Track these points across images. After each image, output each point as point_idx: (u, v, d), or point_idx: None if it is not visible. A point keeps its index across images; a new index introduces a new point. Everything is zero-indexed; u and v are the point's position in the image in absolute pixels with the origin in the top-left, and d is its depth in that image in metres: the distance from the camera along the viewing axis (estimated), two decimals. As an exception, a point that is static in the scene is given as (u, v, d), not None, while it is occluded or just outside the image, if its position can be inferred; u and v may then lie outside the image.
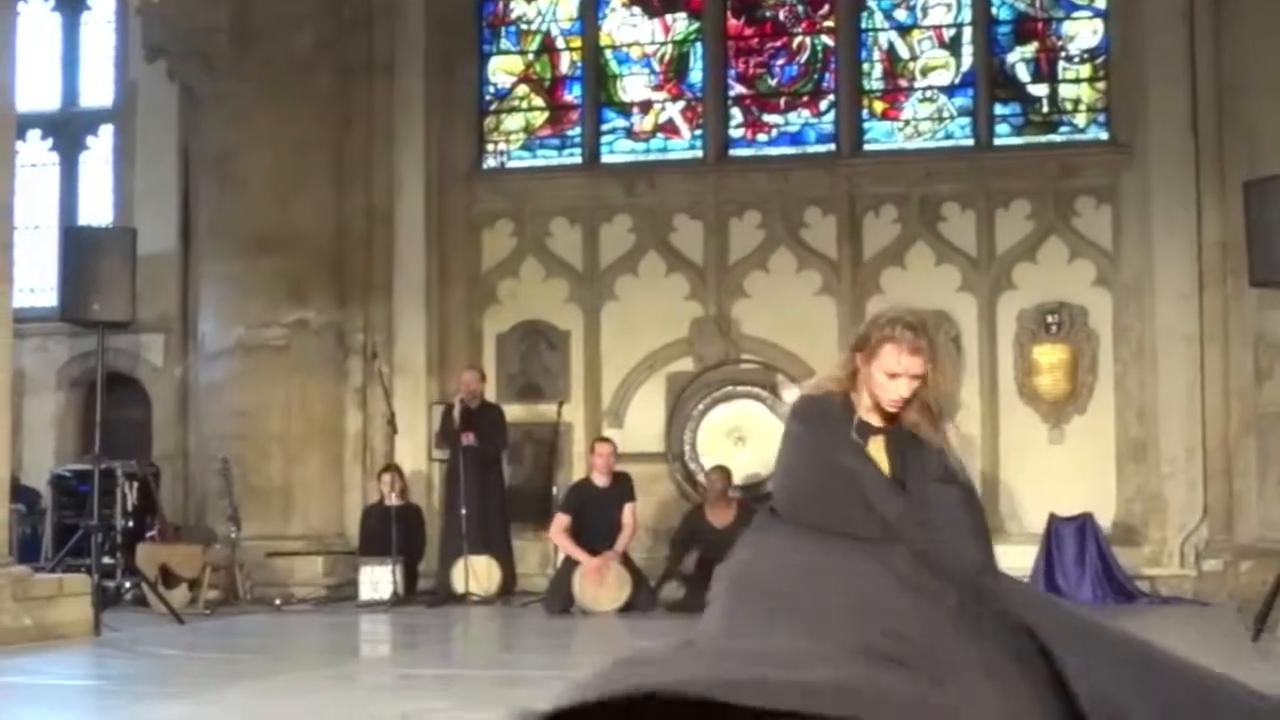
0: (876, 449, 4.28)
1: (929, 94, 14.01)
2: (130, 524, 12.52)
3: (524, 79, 14.74)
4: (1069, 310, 13.25)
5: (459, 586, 12.39)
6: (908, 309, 4.33)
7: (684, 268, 13.92)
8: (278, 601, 12.33)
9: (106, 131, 15.48)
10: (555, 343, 14.10)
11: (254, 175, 13.56)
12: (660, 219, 14.05)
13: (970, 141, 13.80)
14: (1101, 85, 13.66)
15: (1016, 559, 12.37)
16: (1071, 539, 12.10)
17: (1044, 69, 13.79)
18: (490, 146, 14.71)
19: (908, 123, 14.01)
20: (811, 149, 14.09)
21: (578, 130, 14.53)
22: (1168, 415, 12.88)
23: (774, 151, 14.16)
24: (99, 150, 15.54)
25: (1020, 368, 13.29)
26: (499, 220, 14.40)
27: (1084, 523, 12.17)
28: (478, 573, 12.33)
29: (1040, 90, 13.80)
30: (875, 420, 4.31)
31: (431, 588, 12.82)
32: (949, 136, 13.95)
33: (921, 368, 4.25)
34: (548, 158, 14.62)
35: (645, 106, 14.49)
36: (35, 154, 15.40)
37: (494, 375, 13.91)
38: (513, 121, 14.74)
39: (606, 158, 14.47)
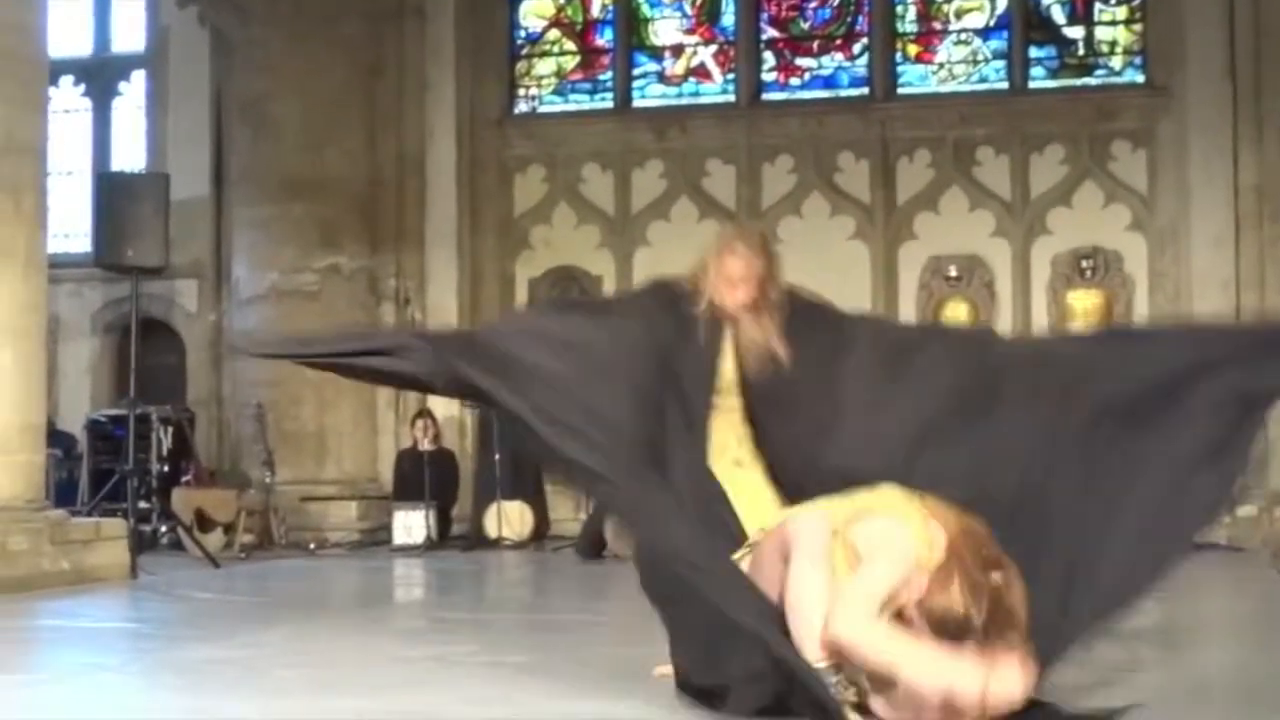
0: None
1: (963, 37, 13.90)
2: (165, 469, 12.60)
3: (555, 23, 14.68)
4: (1104, 255, 13.17)
5: (492, 531, 12.45)
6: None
7: (716, 213, 13.88)
8: (312, 546, 12.40)
9: (139, 77, 15.49)
10: (587, 288, 14.09)
11: (286, 121, 13.55)
12: (692, 164, 14.00)
13: (1005, 85, 13.70)
14: (1138, 28, 13.53)
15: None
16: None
17: (1080, 11, 13.67)
18: (521, 91, 14.66)
19: (942, 66, 13.92)
20: (845, 93, 14.02)
21: (609, 75, 14.47)
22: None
23: (807, 95, 14.08)
24: (131, 96, 15.56)
25: (1054, 313, 13.23)
26: (530, 166, 14.37)
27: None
28: (510, 518, 12.38)
29: (1076, 33, 13.68)
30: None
31: (464, 532, 12.88)
32: (983, 80, 13.85)
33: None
34: (579, 102, 14.57)
35: (677, 50, 14.42)
36: (68, 100, 15.42)
37: (526, 320, 13.89)
38: (544, 66, 14.69)
39: (638, 102, 14.41)
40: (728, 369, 4.90)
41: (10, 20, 9.24)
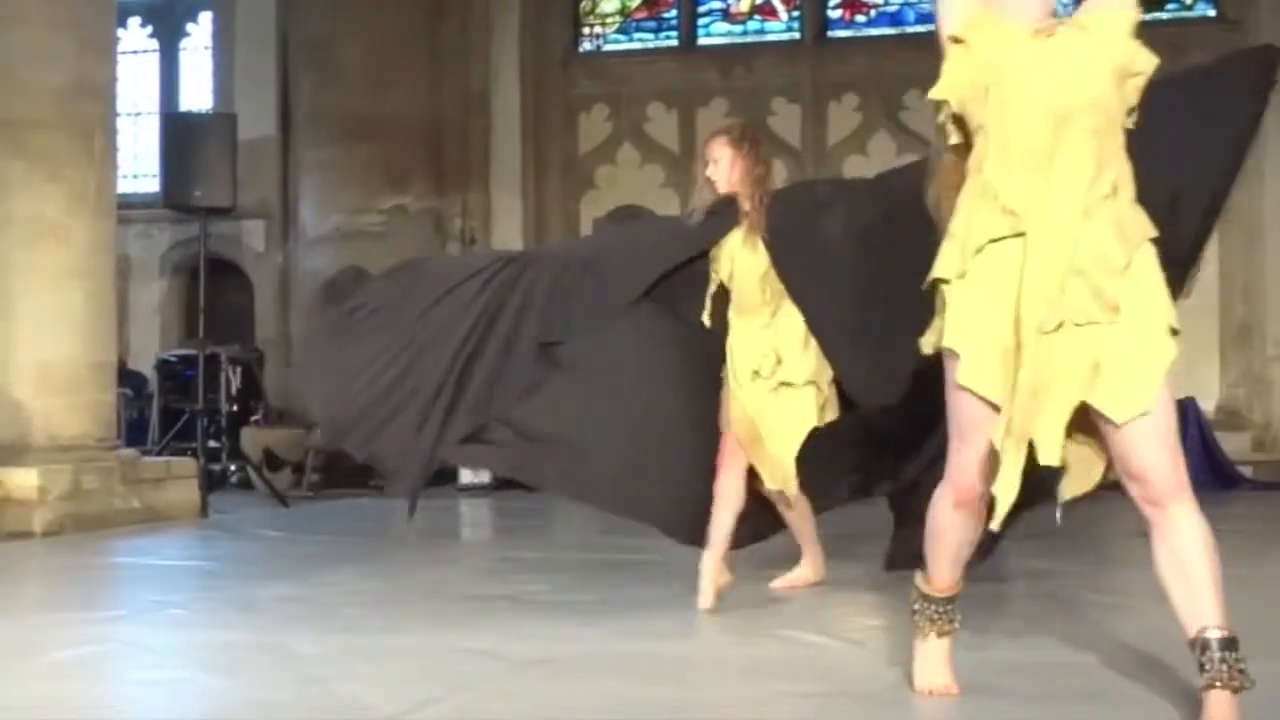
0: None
1: (1034, -29, 13.73)
2: (234, 408, 12.70)
3: (620, -38, 14.60)
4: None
5: (557, 471, 12.47)
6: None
7: (782, 152, 13.79)
8: (379, 485, 12.48)
9: (206, 18, 15.54)
10: (652, 228, 14.04)
11: (351, 61, 13.56)
12: (757, 102, 13.91)
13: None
14: (1211, -39, 13.31)
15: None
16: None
17: (1155, -57, 13.46)
18: (586, 30, 14.61)
19: (1011, 1, 13.75)
20: (911, 29, 13.87)
21: (674, 13, 14.38)
22: (1275, 296, 12.66)
23: (873, 32, 13.96)
24: (199, 36, 15.62)
25: (1123, 251, 13.10)
26: (595, 105, 14.33)
27: (1186, 407, 12.01)
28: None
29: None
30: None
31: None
32: (1054, 15, 13.66)
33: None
34: (644, 41, 14.50)
35: (743, -12, 14.32)
36: (136, 41, 15.50)
37: (591, 260, 13.90)
38: (609, 4, 14.62)
39: (703, 40, 14.33)
40: None
41: (77, -38, 9.29)
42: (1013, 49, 3.54)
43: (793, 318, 5.56)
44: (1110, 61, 3.51)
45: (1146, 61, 3.55)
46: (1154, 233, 3.48)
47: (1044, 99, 3.45)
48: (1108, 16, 3.54)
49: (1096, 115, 3.44)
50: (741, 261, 5.58)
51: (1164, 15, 13.40)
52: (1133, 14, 3.61)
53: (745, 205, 5.64)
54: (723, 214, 5.66)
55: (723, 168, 5.70)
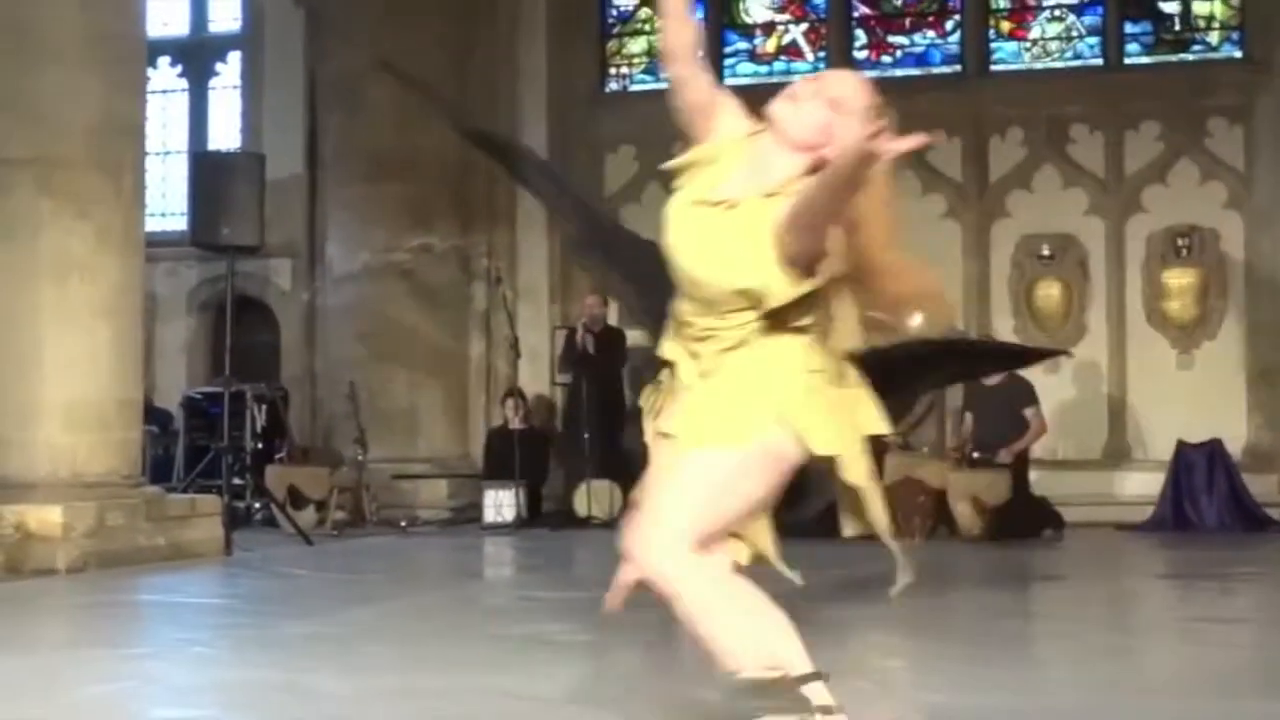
0: None
1: (1057, 13, 13.74)
2: (259, 446, 12.70)
3: (646, 1, 14.65)
4: (1200, 234, 12.98)
5: (581, 510, 12.49)
6: None
7: (806, 191, 13.80)
8: (403, 523, 12.49)
9: (235, 58, 15.64)
10: (677, 267, 14.05)
11: (378, 100, 13.61)
12: (783, 142, 13.92)
13: (1100, 61, 13.53)
14: (1235, 2, 13.31)
15: (1143, 486, 12.25)
16: (1201, 466, 11.89)
17: (1177, -15, 13.46)
18: (613, 70, 14.66)
19: (1035, 42, 13.77)
20: (937, 70, 13.90)
21: (700, 53, 14.41)
22: (1301, 338, 12.62)
23: (898, 73, 13.98)
24: (228, 76, 15.71)
25: (1149, 292, 13.05)
26: (622, 145, 14.36)
27: (1213, 449, 11.96)
28: (600, 497, 12.41)
29: (1172, 7, 13.47)
30: None
31: (554, 511, 12.93)
32: (1078, 56, 13.69)
33: None
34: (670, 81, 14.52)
35: (768, 28, 14.36)
36: (166, 80, 15.59)
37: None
38: (635, 45, 14.68)
39: (729, 80, 14.36)
40: None
41: (109, 2, 9.37)
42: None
43: None
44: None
45: None
46: None
47: None
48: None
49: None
50: None
51: (1189, 57, 13.40)
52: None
53: None
54: None
55: None
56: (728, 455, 3.32)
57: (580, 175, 14.32)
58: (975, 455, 11.50)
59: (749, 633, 3.36)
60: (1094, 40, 13.60)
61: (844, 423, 3.48)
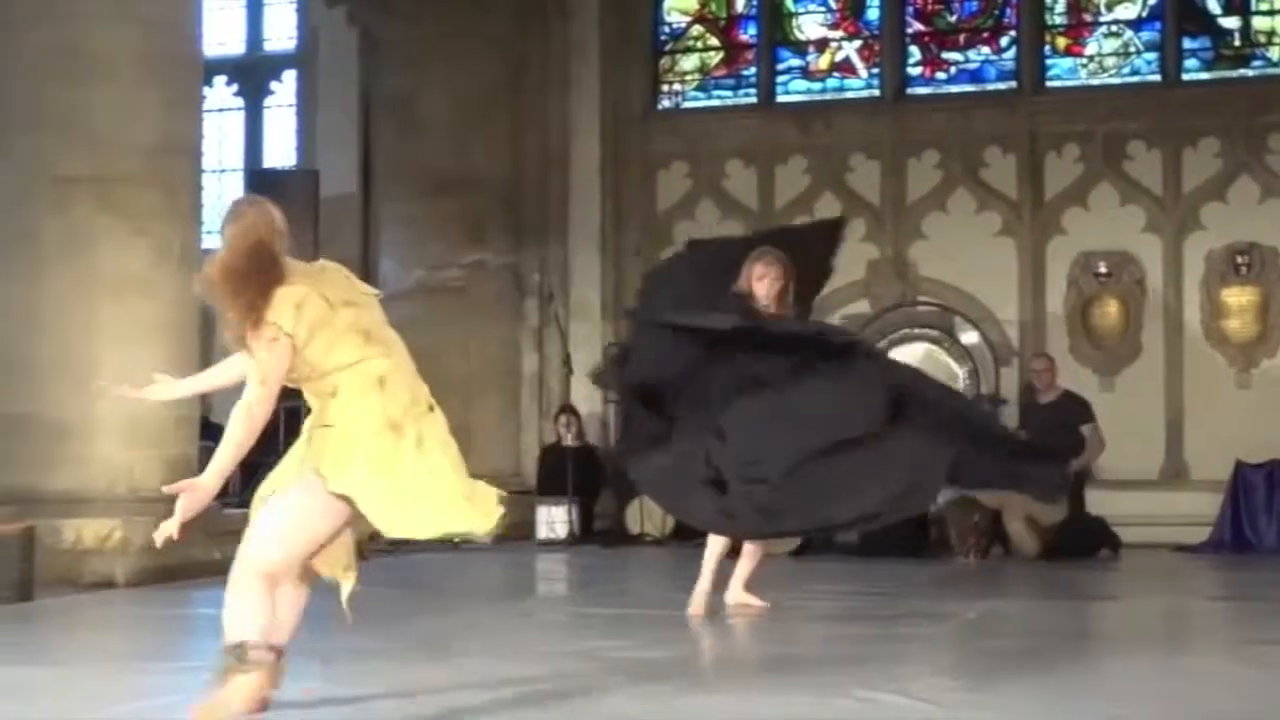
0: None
1: (1114, 29, 13.66)
2: (314, 461, 12.72)
3: (699, 18, 14.65)
4: (1260, 251, 12.85)
5: (634, 527, 12.48)
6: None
7: (860, 209, 13.78)
8: (456, 540, 12.48)
9: (290, 76, 15.75)
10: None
11: (432, 118, 13.69)
12: (836, 159, 13.91)
13: (1157, 77, 13.44)
14: (1296, 17, 13.20)
15: (1201, 506, 12.12)
16: (1260, 486, 11.78)
17: (1235, 0, 13.35)
18: (665, 87, 14.67)
19: (1092, 58, 13.69)
20: (992, 86, 13.83)
21: (753, 70, 14.42)
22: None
23: (953, 90, 13.92)
24: (283, 94, 15.82)
25: (1207, 310, 12.93)
26: (674, 162, 14.36)
27: (1273, 469, 11.83)
28: (652, 514, 12.39)
29: (1232, 23, 13.37)
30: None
31: (607, 528, 12.92)
32: (1135, 72, 13.60)
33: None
34: (723, 98, 14.54)
35: (821, 45, 14.32)
36: (221, 99, 15.71)
37: (670, 316, 13.90)
38: (688, 62, 14.68)
39: (782, 98, 14.35)
40: None
41: (165, 21, 9.45)
42: None
43: None
44: None
45: None
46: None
47: None
48: None
49: None
50: None
51: (1249, 73, 13.29)
52: None
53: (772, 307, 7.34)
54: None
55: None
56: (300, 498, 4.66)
57: (632, 192, 14.34)
58: None
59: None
60: (1152, 56, 13.50)
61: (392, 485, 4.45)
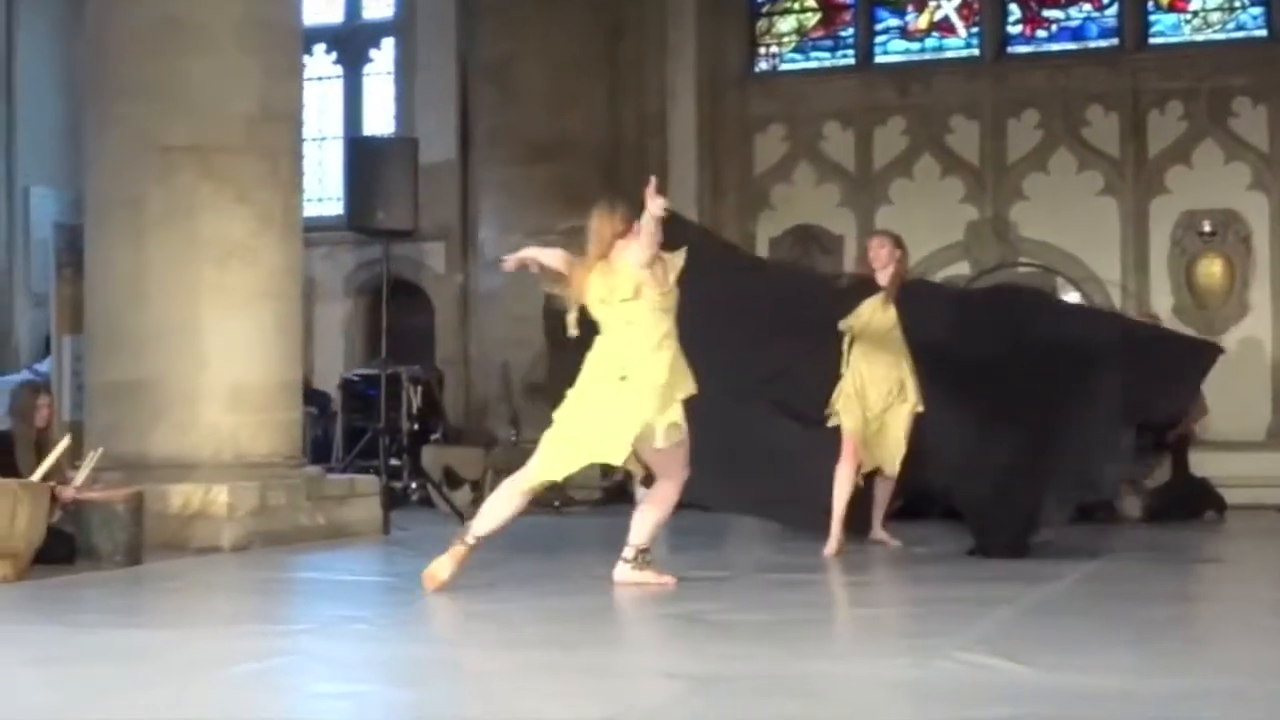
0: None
1: (1219, -17, 13.43)
2: (415, 427, 12.86)
3: (796, -20, 14.57)
4: (1368, 208, 12.63)
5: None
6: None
7: (960, 170, 13.67)
8: (556, 504, 12.57)
9: (388, 44, 15.83)
10: (829, 247, 14.00)
11: (530, 84, 13.73)
12: (935, 120, 13.80)
13: (1263, 32, 13.21)
14: (1407, -33, 12.91)
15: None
16: (1369, 447, 11.61)
17: (1344, -48, 13.08)
18: (762, 50, 14.61)
19: (1196, 14, 13.47)
20: (1093, 44, 13.66)
21: (850, 31, 14.33)
22: None
23: (1054, 48, 13.77)
24: (381, 62, 15.91)
25: (1315, 268, 12.74)
26: (771, 125, 14.32)
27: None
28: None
29: (1340, -25, 13.10)
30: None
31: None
32: (1240, 28, 13.38)
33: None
34: (820, 60, 14.46)
35: (920, 4, 14.20)
36: (321, 67, 15.83)
37: (767, 280, 13.88)
38: (785, 24, 14.62)
39: (880, 58, 14.25)
40: None
41: (267, -9, 9.54)
42: None
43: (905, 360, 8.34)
44: None
45: None
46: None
47: None
48: None
49: None
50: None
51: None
52: None
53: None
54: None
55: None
56: None
57: (729, 155, 14.31)
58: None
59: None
60: (1257, 11, 13.27)
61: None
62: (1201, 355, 8.94)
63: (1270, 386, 12.73)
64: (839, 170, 14.06)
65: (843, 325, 8.44)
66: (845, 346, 8.43)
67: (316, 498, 9.47)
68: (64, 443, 8.01)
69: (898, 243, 8.65)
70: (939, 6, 14.16)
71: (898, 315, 8.33)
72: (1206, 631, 5.88)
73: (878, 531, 8.82)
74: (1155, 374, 8.31)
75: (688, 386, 6.61)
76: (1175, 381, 8.69)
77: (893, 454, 8.41)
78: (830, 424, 8.43)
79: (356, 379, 13.70)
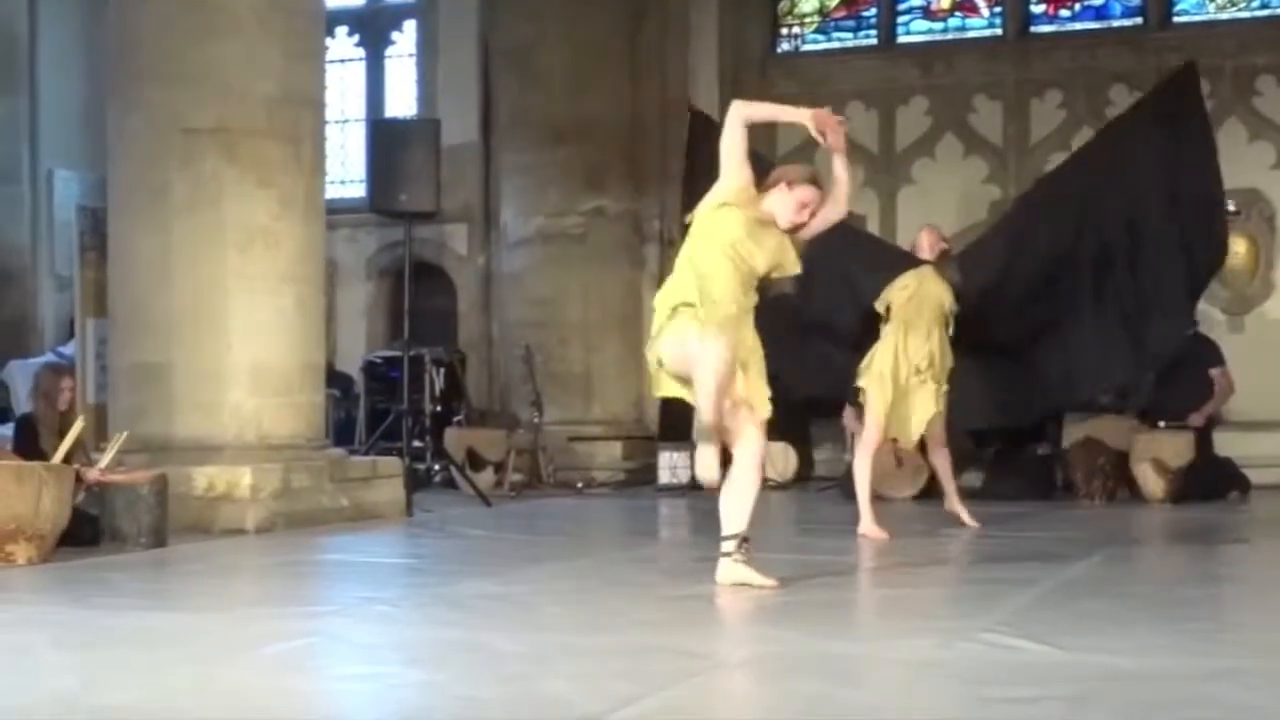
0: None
1: (1244, -40, 13.37)
2: (438, 409, 12.90)
3: (818, -40, 14.53)
4: (1395, 186, 12.57)
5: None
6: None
7: (983, 150, 13.63)
8: (579, 485, 12.60)
9: (410, 26, 15.84)
10: (851, 227, 13.93)
11: (551, 66, 13.72)
12: (958, 100, 13.76)
13: (1288, 11, 13.13)
14: None
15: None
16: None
17: (1370, -72, 13.00)
18: (784, 30, 14.58)
19: (1220, -8, 13.40)
20: (1117, 23, 13.61)
21: (873, 11, 14.29)
22: None
23: (1077, 27, 13.71)
24: (403, 44, 15.92)
25: (1341, 248, 12.68)
26: (793, 105, 14.25)
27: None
28: (774, 458, 12.37)
29: (1367, -48, 13.03)
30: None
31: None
32: (1265, 6, 13.31)
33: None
34: (843, 40, 14.43)
35: (943, -16, 14.15)
36: (343, 49, 15.85)
37: (789, 261, 13.85)
38: (807, 4, 14.58)
39: (903, 38, 14.21)
40: None
41: (287, -27, 9.53)
42: None
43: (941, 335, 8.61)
44: None
45: None
46: None
47: None
48: None
49: None
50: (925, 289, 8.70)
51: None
52: None
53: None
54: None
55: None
56: None
57: (752, 136, 14.24)
58: (1162, 424, 11.25)
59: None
60: (1282, -12, 13.19)
61: None
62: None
63: (1295, 364, 12.69)
64: (861, 150, 14.01)
65: (879, 304, 8.73)
66: (885, 321, 8.69)
67: (340, 480, 9.49)
68: (78, 424, 8.04)
69: (944, 239, 9.26)
70: (962, -14, 14.11)
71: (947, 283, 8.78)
72: (1232, 612, 5.86)
73: (953, 503, 8.97)
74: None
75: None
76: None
77: (910, 430, 8.62)
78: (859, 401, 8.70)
79: (379, 361, 13.73)
